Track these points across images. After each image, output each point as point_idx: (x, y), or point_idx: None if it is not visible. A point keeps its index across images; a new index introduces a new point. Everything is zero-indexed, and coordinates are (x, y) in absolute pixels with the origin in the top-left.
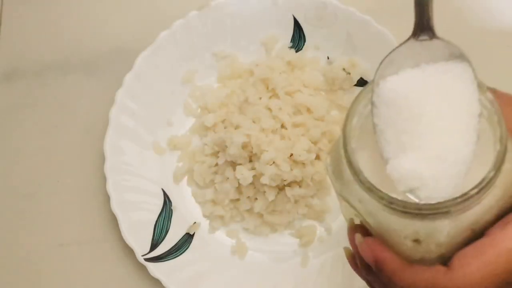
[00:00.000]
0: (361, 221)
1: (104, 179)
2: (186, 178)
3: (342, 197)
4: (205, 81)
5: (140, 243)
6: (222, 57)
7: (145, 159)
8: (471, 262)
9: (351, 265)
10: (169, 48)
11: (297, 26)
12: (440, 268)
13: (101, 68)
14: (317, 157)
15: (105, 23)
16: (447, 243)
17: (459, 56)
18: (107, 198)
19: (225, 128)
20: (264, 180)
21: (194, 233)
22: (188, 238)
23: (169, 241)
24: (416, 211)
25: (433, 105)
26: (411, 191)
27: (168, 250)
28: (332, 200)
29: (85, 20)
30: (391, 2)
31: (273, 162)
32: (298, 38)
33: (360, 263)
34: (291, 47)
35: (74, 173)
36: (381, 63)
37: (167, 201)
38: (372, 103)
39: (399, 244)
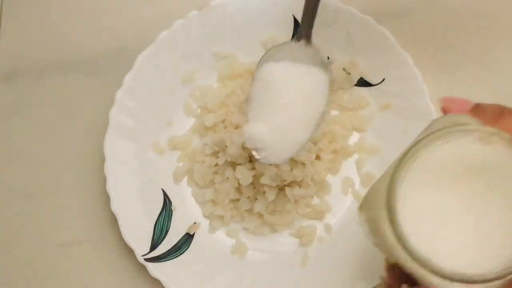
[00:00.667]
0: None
1: (104, 179)
2: (186, 178)
3: (382, 251)
4: (205, 81)
5: (140, 243)
6: (222, 57)
7: (145, 159)
8: None
9: None
10: (169, 48)
11: (297, 26)
12: None
13: (101, 68)
14: (317, 157)
15: (105, 23)
16: None
17: (324, 63)
18: (107, 198)
19: (225, 128)
20: (264, 180)
21: (194, 233)
22: (188, 238)
23: (169, 241)
24: (475, 282)
25: (290, 92)
26: (256, 149)
27: (168, 250)
28: (332, 200)
29: (85, 20)
30: (391, 2)
31: None
32: None
33: None
34: None
35: (74, 173)
36: (267, 51)
37: (167, 201)
38: (253, 79)
39: None
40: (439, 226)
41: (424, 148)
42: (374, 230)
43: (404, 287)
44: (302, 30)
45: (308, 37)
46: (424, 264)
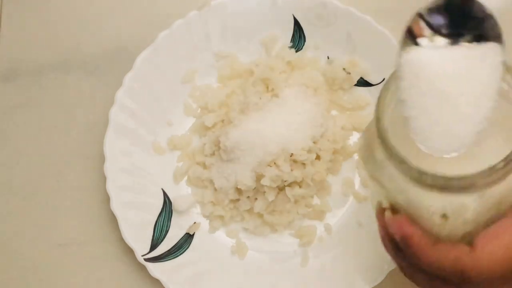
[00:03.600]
0: (389, 203)
1: (104, 179)
2: (186, 178)
3: (373, 178)
4: (205, 81)
5: (140, 243)
6: (222, 57)
7: (145, 159)
8: (493, 242)
9: (383, 245)
10: (169, 48)
11: (297, 26)
12: (464, 248)
13: (101, 68)
14: (317, 157)
15: (105, 23)
16: (473, 220)
17: (494, 24)
18: (107, 198)
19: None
20: (265, 181)
21: (194, 233)
22: (188, 238)
23: (169, 241)
24: (444, 184)
25: (454, 83)
26: (425, 141)
27: (168, 250)
28: (332, 200)
29: (85, 20)
30: (391, 2)
31: (274, 163)
32: (298, 38)
33: (389, 242)
34: (291, 47)
35: (74, 173)
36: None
37: (167, 201)
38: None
39: (427, 221)
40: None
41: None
42: (367, 153)
43: (386, 212)
44: None
45: None
46: (397, 158)
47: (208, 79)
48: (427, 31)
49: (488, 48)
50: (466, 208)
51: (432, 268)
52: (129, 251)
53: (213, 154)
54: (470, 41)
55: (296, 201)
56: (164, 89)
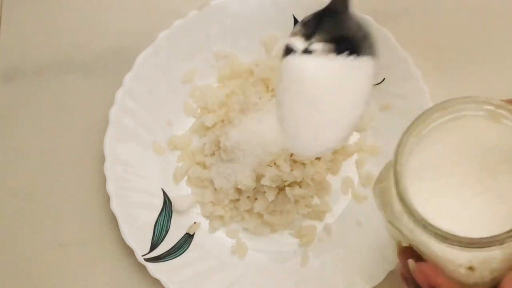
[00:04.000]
0: (410, 244)
1: (104, 179)
2: (186, 178)
3: (392, 224)
4: (205, 81)
5: (140, 243)
6: (222, 57)
7: (145, 159)
8: None
9: (404, 281)
10: (169, 48)
11: None
12: None
13: (101, 68)
14: (317, 157)
15: (105, 23)
16: (501, 268)
17: (369, 40)
18: (107, 198)
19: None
20: (265, 181)
21: (194, 233)
22: (188, 238)
23: (169, 241)
24: (472, 245)
25: (325, 90)
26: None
27: (168, 250)
28: (332, 200)
29: (85, 20)
30: (391, 2)
31: (274, 163)
32: None
33: (410, 282)
34: None
35: (74, 173)
36: (295, 27)
37: (167, 201)
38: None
39: (453, 272)
40: (440, 193)
41: (432, 115)
42: (384, 202)
43: (410, 261)
44: None
45: (345, 4)
46: (421, 222)
47: (208, 79)
48: (303, 43)
49: (362, 62)
50: (493, 259)
51: None
52: (129, 251)
53: (213, 154)
54: (347, 54)
55: (296, 201)
56: (164, 89)
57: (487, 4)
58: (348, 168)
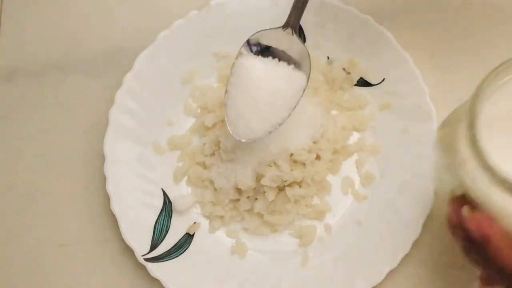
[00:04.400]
0: (463, 193)
1: (104, 179)
2: (186, 178)
3: (451, 171)
4: (205, 81)
5: (140, 243)
6: (222, 57)
7: (145, 159)
8: None
9: (449, 231)
10: (169, 48)
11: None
12: None
13: (101, 68)
14: (317, 157)
15: (105, 23)
16: None
17: (305, 56)
18: (107, 198)
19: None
20: (265, 182)
21: (194, 233)
22: (188, 238)
23: (169, 241)
24: None
25: (263, 91)
26: (231, 126)
27: (168, 250)
28: (332, 200)
29: (85, 20)
30: (391, 2)
31: (274, 163)
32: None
33: (461, 232)
34: None
35: (74, 173)
36: (253, 34)
37: (167, 201)
38: (232, 66)
39: (509, 225)
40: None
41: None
42: (448, 147)
43: (465, 208)
44: (290, 18)
45: (294, 27)
46: (490, 170)
47: (208, 79)
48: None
49: (299, 75)
50: None
51: (510, 268)
52: (129, 251)
53: (213, 154)
54: (289, 63)
55: (296, 201)
56: (164, 89)
57: (487, 4)
58: (348, 168)
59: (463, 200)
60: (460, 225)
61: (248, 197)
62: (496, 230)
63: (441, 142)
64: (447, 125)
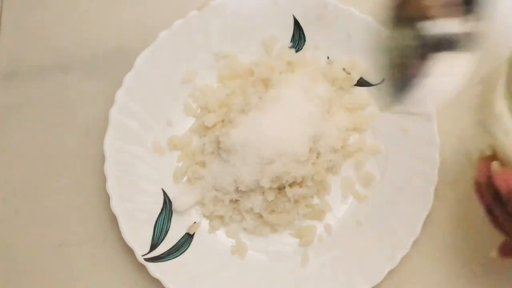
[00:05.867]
0: (494, 153)
1: (104, 179)
2: (186, 178)
3: (484, 128)
4: (205, 81)
5: (140, 243)
6: (222, 57)
7: (145, 159)
8: None
9: (476, 191)
10: (169, 48)
11: (297, 26)
12: None
13: (101, 68)
14: (317, 157)
15: (105, 23)
16: None
17: None
18: (107, 198)
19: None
20: (265, 182)
21: (194, 233)
22: (188, 238)
23: (169, 241)
24: None
25: None
26: None
27: (168, 250)
28: (332, 200)
29: (85, 20)
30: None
31: (274, 163)
32: (298, 38)
33: (487, 191)
34: (291, 47)
35: (74, 173)
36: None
37: (167, 201)
38: None
39: None
40: None
41: None
42: (484, 102)
43: (495, 163)
44: None
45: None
46: None
47: (208, 79)
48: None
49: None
50: None
51: None
52: (129, 251)
53: (213, 154)
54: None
55: (296, 201)
56: (164, 89)
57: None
58: (348, 168)
59: (492, 159)
60: (488, 182)
61: (248, 197)
62: None
63: (476, 98)
64: (484, 81)
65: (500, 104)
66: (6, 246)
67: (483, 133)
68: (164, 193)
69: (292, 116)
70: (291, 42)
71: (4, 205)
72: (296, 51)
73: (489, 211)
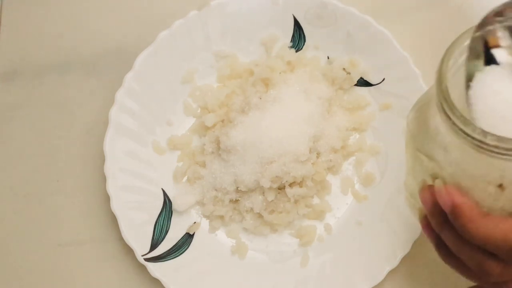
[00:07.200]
0: (435, 181)
1: (104, 179)
2: (186, 178)
3: (421, 152)
4: (205, 81)
5: (140, 243)
6: (222, 57)
7: (145, 159)
8: None
9: (422, 225)
10: (169, 48)
11: (297, 26)
12: None
13: (101, 68)
14: (317, 157)
15: (105, 23)
16: None
17: None
18: (107, 198)
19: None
20: (265, 182)
21: (194, 233)
22: (188, 238)
23: (169, 241)
24: (510, 145)
25: None
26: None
27: (168, 250)
28: (332, 200)
29: (85, 20)
30: (391, 2)
31: (274, 163)
32: (298, 38)
33: (435, 220)
34: (291, 47)
35: (74, 173)
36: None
37: (167, 201)
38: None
39: (481, 192)
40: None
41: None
42: (419, 123)
43: (437, 181)
44: None
45: None
46: (460, 118)
47: (208, 79)
48: (506, 41)
49: None
50: None
51: (481, 241)
52: (129, 251)
53: (213, 153)
54: None
55: (296, 201)
56: (164, 89)
57: (487, 4)
58: (348, 168)
59: (433, 187)
60: (434, 210)
61: (248, 197)
62: (467, 200)
63: (411, 123)
64: (417, 104)
65: (435, 120)
66: (6, 246)
67: (423, 160)
68: (164, 193)
69: (292, 116)
70: (291, 42)
71: (4, 205)
72: (296, 51)
73: (439, 245)
